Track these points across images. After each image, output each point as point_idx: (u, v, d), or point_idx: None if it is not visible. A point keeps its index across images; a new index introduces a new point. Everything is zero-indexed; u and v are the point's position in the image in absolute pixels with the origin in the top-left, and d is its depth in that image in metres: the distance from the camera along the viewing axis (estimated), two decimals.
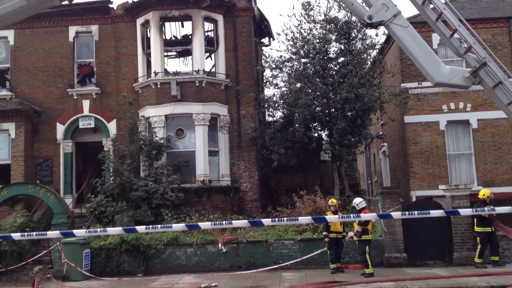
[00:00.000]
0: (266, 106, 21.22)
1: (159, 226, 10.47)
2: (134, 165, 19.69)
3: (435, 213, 9.69)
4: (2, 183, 20.02)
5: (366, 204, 14.50)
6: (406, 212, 10.28)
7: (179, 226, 9.75)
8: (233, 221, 12.79)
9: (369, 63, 20.56)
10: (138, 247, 15.85)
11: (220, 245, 15.94)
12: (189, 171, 19.95)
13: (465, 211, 11.24)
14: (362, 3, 10.99)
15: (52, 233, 12.12)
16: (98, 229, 10.39)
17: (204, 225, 9.02)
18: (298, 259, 15.40)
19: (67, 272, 15.24)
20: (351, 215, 12.21)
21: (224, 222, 12.05)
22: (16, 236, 11.66)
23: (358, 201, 14.43)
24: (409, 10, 65.75)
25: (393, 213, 11.96)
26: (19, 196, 18.70)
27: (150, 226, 12.57)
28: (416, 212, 9.77)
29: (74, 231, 9.13)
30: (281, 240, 16.09)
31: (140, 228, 8.99)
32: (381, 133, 24.38)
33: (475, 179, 19.75)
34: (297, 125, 19.49)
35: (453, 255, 15.30)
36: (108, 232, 11.38)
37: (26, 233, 11.58)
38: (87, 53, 22.36)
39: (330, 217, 13.10)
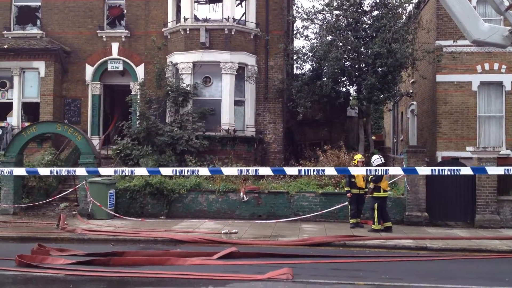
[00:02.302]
0: (295, 58, 20.89)
1: (185, 169, 10.61)
2: (160, 111, 19.83)
3: (465, 169, 9.61)
4: (31, 120, 20.44)
5: (381, 161, 14.28)
6: (436, 168, 10.13)
7: (204, 170, 9.87)
8: (259, 168, 12.87)
9: (404, 17, 19.95)
10: (162, 190, 16.16)
11: (241, 193, 16.11)
12: (214, 120, 20.02)
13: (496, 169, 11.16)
14: None
15: (80, 169, 12.45)
16: (126, 168, 10.56)
17: (229, 170, 9.10)
18: (318, 212, 15.55)
19: (92, 211, 15.68)
20: (378, 169, 12.21)
21: (249, 168, 12.16)
22: (45, 170, 11.96)
23: (373, 158, 14.45)
24: None
25: (420, 168, 11.84)
26: (47, 134, 19.07)
27: (177, 168, 12.70)
28: (446, 168, 9.63)
29: (100, 168, 9.30)
30: (303, 192, 16.19)
31: (167, 170, 9.12)
32: (411, 91, 23.92)
33: (503, 143, 19.41)
34: (325, 79, 19.22)
35: (475, 217, 15.20)
36: (136, 173, 11.58)
37: (56, 169, 11.84)
38: None
39: (355, 168, 13.09)
